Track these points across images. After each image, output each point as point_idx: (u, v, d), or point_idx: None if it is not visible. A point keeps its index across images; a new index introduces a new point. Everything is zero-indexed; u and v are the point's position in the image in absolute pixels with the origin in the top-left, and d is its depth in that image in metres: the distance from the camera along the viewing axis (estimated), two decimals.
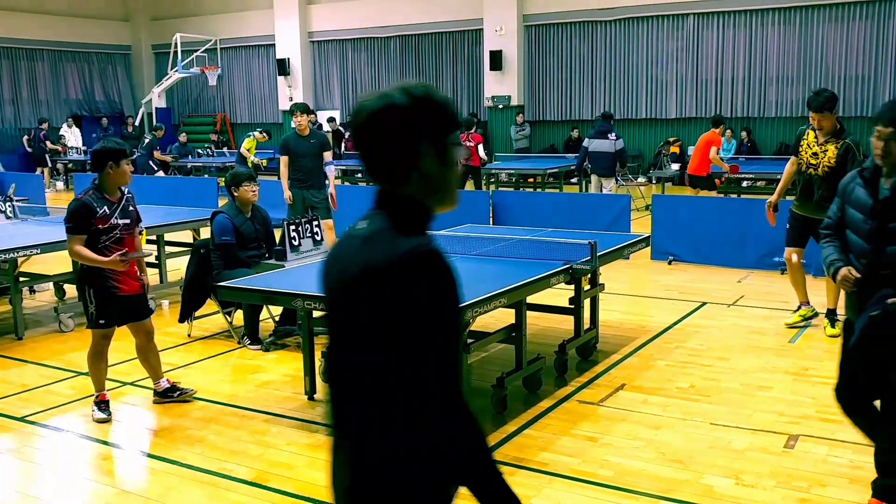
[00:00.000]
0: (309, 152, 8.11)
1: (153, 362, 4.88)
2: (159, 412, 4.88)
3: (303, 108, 8.14)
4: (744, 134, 16.14)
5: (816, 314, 6.34)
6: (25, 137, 19.82)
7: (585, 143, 11.42)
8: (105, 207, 4.48)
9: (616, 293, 7.36)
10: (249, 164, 15.04)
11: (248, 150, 14.73)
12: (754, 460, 3.98)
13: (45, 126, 19.37)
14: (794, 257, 6.20)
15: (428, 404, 1.61)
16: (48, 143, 18.93)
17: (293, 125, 8.19)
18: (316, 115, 20.35)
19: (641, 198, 13.06)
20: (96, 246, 4.45)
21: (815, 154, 5.93)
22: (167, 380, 4.96)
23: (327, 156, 8.24)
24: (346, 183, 15.69)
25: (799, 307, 6.39)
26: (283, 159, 8.20)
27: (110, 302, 4.55)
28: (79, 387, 5.26)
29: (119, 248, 4.49)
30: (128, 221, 4.58)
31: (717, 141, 10.93)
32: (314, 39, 21.72)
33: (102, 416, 4.66)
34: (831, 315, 6.09)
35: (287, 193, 8.16)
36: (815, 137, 5.96)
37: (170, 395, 4.91)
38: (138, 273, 4.69)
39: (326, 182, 8.31)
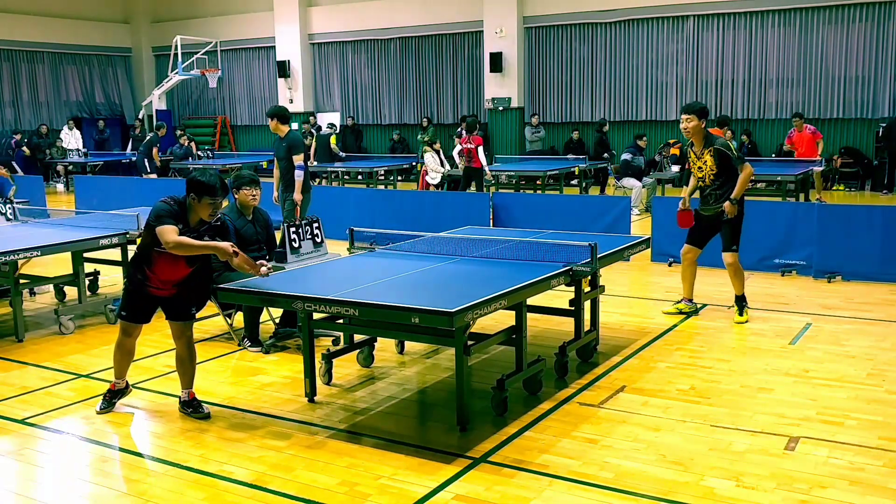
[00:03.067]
0: (278, 155, 8.42)
1: (185, 370, 4.84)
2: (159, 414, 4.88)
3: (270, 112, 8.48)
4: (744, 137, 16.16)
5: (697, 311, 6.76)
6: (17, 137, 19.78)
7: (627, 157, 13.20)
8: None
9: (616, 295, 7.37)
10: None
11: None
12: (755, 462, 3.97)
13: (17, 136, 19.35)
14: (687, 253, 6.66)
15: None
16: (24, 149, 18.70)
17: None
18: (316, 118, 20.41)
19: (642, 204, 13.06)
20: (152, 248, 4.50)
21: (699, 167, 6.38)
22: (190, 392, 4.83)
23: (297, 159, 8.29)
24: (345, 185, 15.70)
25: (681, 300, 6.80)
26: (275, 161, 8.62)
27: (138, 298, 4.64)
28: (79, 389, 5.26)
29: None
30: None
31: None
32: (314, 41, 21.74)
33: (99, 406, 4.79)
34: (740, 302, 6.48)
35: (275, 194, 8.61)
36: (693, 150, 6.42)
37: (185, 409, 4.80)
38: (171, 280, 4.65)
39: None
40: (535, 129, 18.36)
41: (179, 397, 4.87)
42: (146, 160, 16.13)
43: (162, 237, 4.38)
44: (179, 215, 4.47)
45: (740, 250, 8.53)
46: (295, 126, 17.54)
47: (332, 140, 18.08)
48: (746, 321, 6.43)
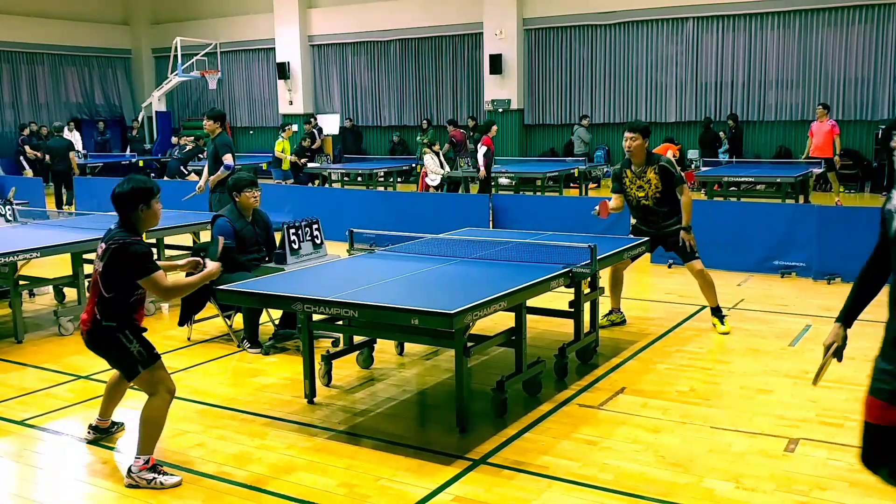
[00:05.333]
0: (208, 155, 8.75)
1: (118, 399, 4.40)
2: None
3: (207, 114, 8.74)
4: (730, 122, 16.16)
5: (623, 322, 6.54)
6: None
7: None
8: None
9: None
10: (286, 167, 15.48)
11: (282, 153, 15.12)
12: (754, 464, 3.98)
13: (26, 132, 19.18)
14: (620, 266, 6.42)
15: None
16: (27, 148, 18.54)
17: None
18: (316, 119, 20.42)
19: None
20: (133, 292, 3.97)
21: (640, 187, 6.23)
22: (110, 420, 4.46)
23: (226, 159, 8.44)
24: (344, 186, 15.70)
25: (611, 311, 6.58)
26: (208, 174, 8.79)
27: (143, 336, 4.03)
28: (78, 390, 5.26)
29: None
30: None
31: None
32: (314, 43, 21.75)
33: (174, 478, 3.91)
34: (717, 313, 6.34)
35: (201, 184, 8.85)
36: (632, 170, 6.26)
37: (104, 432, 4.41)
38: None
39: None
40: (588, 130, 17.99)
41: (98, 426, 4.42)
42: (181, 167, 16.72)
43: (157, 288, 3.90)
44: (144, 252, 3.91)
45: (739, 252, 8.51)
46: (295, 128, 17.57)
47: (279, 146, 15.33)
48: (729, 331, 6.23)
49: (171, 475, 3.90)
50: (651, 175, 6.16)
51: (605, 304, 6.53)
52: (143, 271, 3.85)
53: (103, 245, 3.98)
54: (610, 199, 6.46)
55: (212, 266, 4.18)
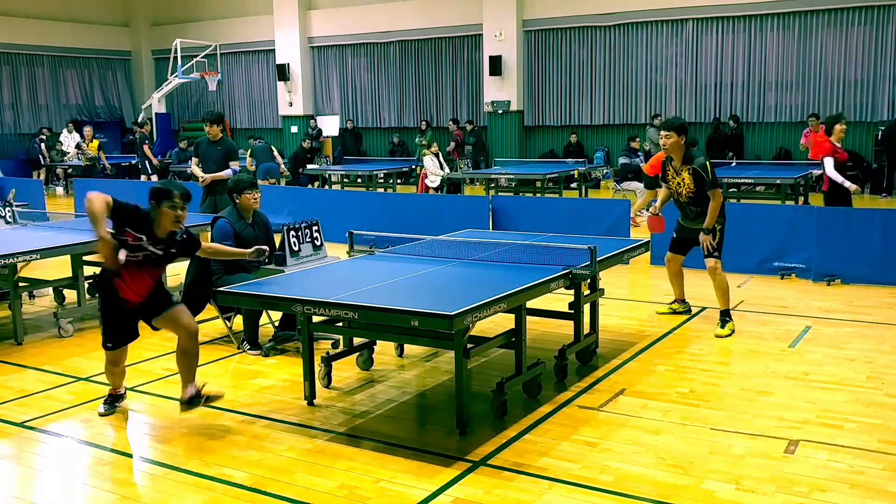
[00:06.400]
0: (213, 158, 8.72)
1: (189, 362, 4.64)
2: (159, 417, 4.88)
3: (210, 118, 8.81)
4: (732, 122, 16.20)
5: (689, 311, 6.87)
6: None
7: (625, 160, 13.32)
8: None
9: (616, 298, 7.37)
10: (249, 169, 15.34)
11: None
12: (754, 465, 3.97)
13: (45, 134, 19.43)
14: (670, 258, 6.76)
15: None
16: (43, 146, 18.84)
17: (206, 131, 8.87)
18: (316, 121, 20.43)
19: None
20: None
21: (678, 183, 6.34)
22: (194, 386, 4.62)
23: (233, 165, 8.70)
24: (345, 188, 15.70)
25: (673, 301, 6.93)
26: (194, 160, 8.88)
27: (117, 316, 4.56)
28: (78, 392, 5.26)
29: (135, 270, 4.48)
30: (160, 255, 4.53)
31: None
32: (314, 45, 21.76)
33: (102, 409, 4.79)
34: (724, 316, 6.35)
35: (197, 171, 8.78)
36: (673, 166, 6.37)
37: (191, 405, 4.60)
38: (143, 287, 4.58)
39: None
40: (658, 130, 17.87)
41: (181, 399, 4.63)
42: (145, 161, 16.26)
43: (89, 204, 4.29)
44: (142, 218, 4.41)
45: (739, 253, 8.50)
46: (294, 129, 17.56)
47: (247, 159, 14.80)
48: (728, 335, 6.19)
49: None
50: (685, 174, 6.24)
51: (605, 305, 6.54)
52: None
53: None
54: (647, 212, 6.78)
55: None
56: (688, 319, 6.72)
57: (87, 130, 16.91)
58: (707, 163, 6.21)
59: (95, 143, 16.33)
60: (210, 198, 8.66)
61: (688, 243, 6.57)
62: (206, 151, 8.78)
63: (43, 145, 19.29)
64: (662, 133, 6.28)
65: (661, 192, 6.72)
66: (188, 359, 4.62)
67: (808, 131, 13.96)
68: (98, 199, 4.31)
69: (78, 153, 16.56)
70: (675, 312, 6.85)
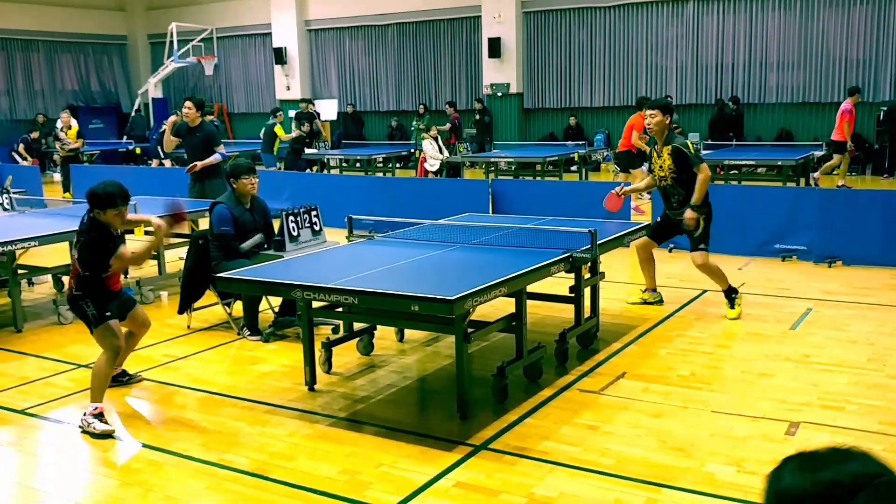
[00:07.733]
0: (192, 144, 8.55)
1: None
2: (159, 403, 4.87)
3: (192, 98, 8.64)
4: (731, 104, 16.04)
5: (661, 301, 6.61)
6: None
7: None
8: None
9: (616, 281, 7.35)
10: (277, 147, 15.23)
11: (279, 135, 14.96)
12: (755, 448, 3.97)
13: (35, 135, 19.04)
14: (638, 244, 6.49)
15: None
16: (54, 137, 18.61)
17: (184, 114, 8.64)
18: (314, 104, 20.30)
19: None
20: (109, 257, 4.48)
21: (660, 166, 6.17)
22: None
23: (218, 149, 8.50)
24: (342, 172, 15.65)
25: (644, 290, 6.68)
26: (170, 136, 8.67)
27: (107, 297, 4.57)
28: (78, 379, 5.25)
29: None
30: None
31: (639, 125, 11.06)
32: (311, 28, 21.61)
33: (106, 426, 4.35)
34: (729, 295, 6.20)
35: (168, 141, 8.73)
36: (655, 148, 6.22)
37: (120, 379, 5.00)
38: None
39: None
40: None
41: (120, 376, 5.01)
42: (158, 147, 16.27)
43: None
44: (101, 228, 4.43)
45: (740, 235, 8.46)
46: (292, 113, 17.46)
47: (280, 132, 15.31)
48: (738, 316, 6.15)
49: (106, 424, 4.34)
50: (665, 155, 6.07)
51: (606, 288, 6.52)
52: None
53: None
54: (619, 185, 6.60)
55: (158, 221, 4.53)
56: (689, 302, 6.71)
57: (65, 116, 14.83)
58: (689, 142, 6.14)
59: (75, 129, 14.66)
60: (198, 185, 8.53)
61: (669, 231, 6.40)
62: (187, 138, 8.51)
63: (22, 147, 18.80)
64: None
65: (646, 178, 6.62)
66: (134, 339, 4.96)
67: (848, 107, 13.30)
68: (127, 253, 4.50)
69: (59, 144, 14.58)
70: (646, 303, 6.58)
